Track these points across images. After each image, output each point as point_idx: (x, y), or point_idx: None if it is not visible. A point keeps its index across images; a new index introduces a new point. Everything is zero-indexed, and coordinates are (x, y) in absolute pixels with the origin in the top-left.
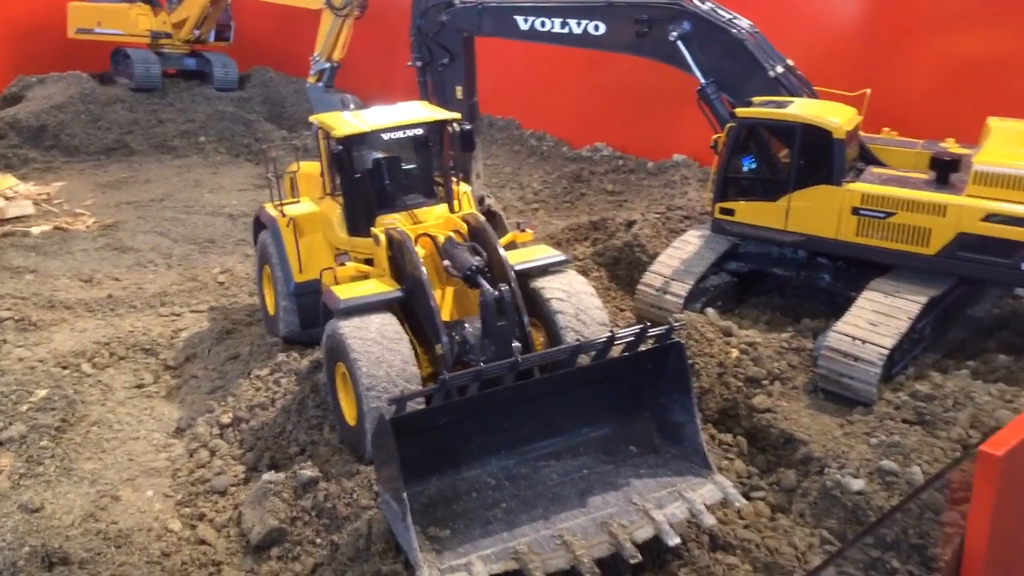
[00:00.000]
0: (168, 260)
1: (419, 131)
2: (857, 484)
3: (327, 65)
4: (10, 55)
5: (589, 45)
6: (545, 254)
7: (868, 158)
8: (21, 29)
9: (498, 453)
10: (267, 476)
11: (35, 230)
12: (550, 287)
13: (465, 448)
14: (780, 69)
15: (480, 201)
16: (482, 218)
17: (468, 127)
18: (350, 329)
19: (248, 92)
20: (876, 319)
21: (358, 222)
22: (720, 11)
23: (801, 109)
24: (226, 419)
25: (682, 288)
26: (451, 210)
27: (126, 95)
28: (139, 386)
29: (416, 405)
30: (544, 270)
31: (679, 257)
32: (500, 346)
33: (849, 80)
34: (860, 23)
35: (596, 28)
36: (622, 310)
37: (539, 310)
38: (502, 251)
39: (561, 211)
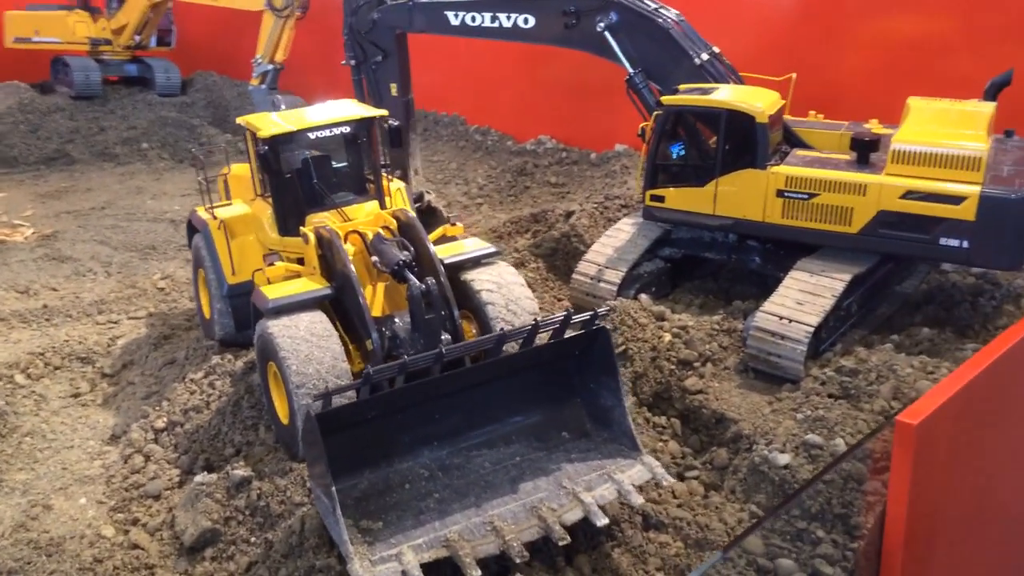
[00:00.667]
0: (108, 268)
1: (346, 129)
2: (783, 459)
3: (270, 67)
4: None
5: (520, 38)
6: (476, 247)
7: (794, 141)
8: None
9: (430, 444)
10: (199, 478)
11: None
12: (480, 279)
13: (397, 441)
14: (705, 56)
15: (419, 197)
16: (412, 213)
17: (396, 123)
18: (279, 328)
19: (191, 97)
20: (802, 298)
21: (288, 222)
22: (646, 0)
23: (725, 95)
24: (160, 424)
25: (615, 275)
26: (382, 207)
27: (66, 104)
28: (75, 395)
29: (346, 400)
30: (474, 262)
31: (612, 245)
32: (428, 339)
33: (779, 65)
34: (789, 7)
35: (526, 21)
36: (560, 299)
37: (470, 302)
38: (430, 245)
39: (506, 204)
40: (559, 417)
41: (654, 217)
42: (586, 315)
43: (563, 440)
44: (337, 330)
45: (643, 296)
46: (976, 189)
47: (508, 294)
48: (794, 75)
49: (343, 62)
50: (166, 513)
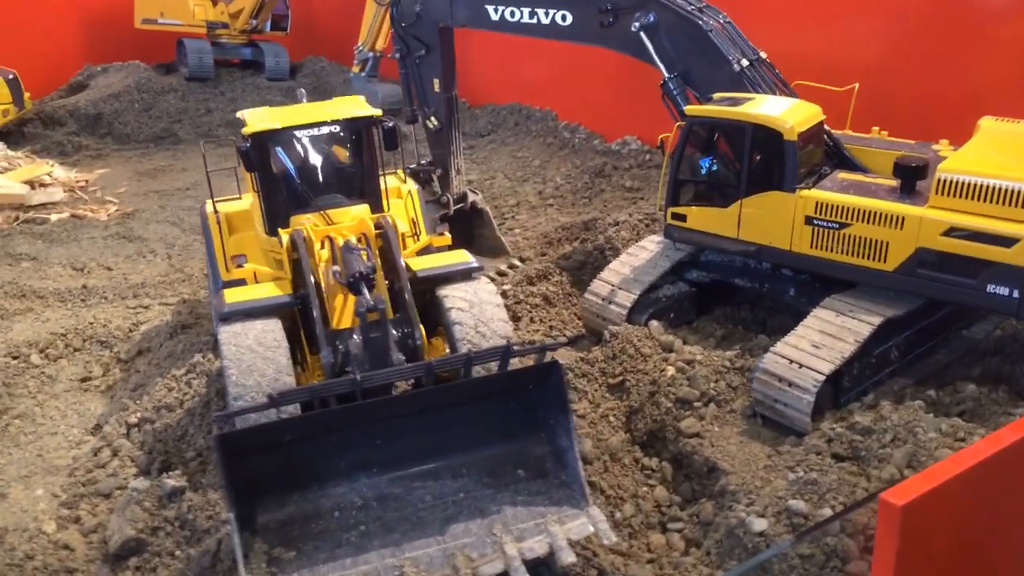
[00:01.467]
0: (169, 250)
1: (335, 128)
2: (760, 525)
3: (370, 55)
4: (82, 44)
5: (558, 36)
6: (456, 260)
7: (844, 161)
8: (93, 19)
9: (369, 471)
10: (134, 483)
11: (53, 217)
12: (453, 295)
13: (333, 464)
14: (745, 63)
15: (462, 198)
16: (392, 220)
17: (391, 124)
18: (228, 335)
19: (298, 82)
20: (821, 340)
21: (274, 221)
22: (686, 1)
23: (753, 107)
24: (133, 419)
25: (627, 298)
26: (377, 210)
27: (180, 84)
28: (84, 379)
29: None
30: (450, 277)
31: (631, 264)
32: (376, 358)
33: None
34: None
35: (563, 18)
36: (580, 318)
37: (442, 319)
38: (400, 257)
39: (577, 207)
40: (518, 452)
41: (674, 237)
42: (534, 347)
43: (517, 478)
44: (301, 341)
45: (654, 323)
46: None
47: (480, 314)
48: (856, 85)
49: (390, 55)
50: (106, 515)
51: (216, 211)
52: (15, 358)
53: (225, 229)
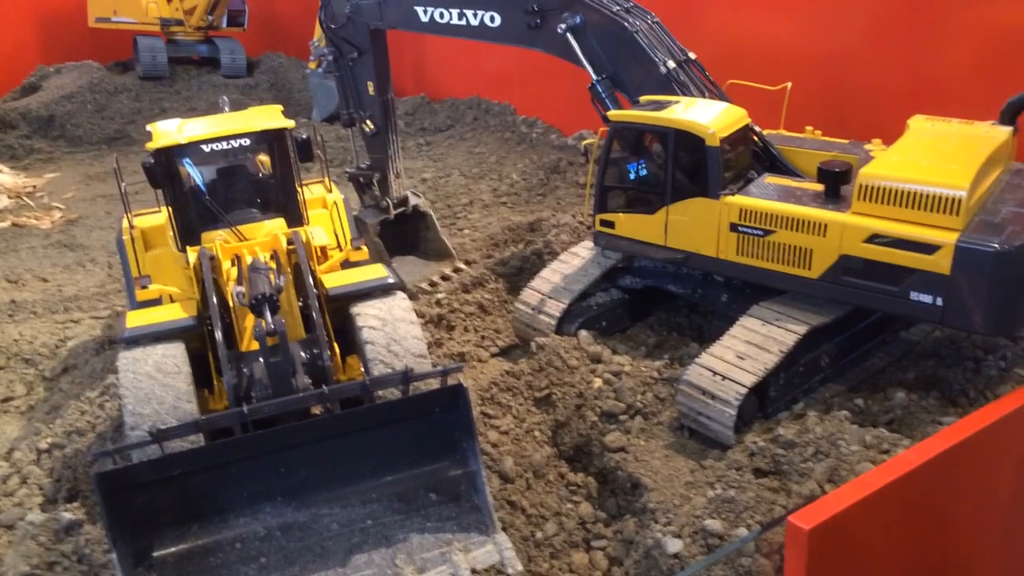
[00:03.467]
0: (111, 258)
1: (245, 141)
2: (675, 546)
3: (326, 50)
4: (36, 45)
5: (487, 38)
6: (370, 276)
7: (774, 164)
8: (48, 19)
9: (274, 500)
10: (29, 516)
11: None
12: (365, 313)
13: (235, 494)
14: (672, 64)
15: (403, 201)
16: (306, 236)
17: (305, 136)
18: (126, 362)
19: (256, 79)
20: (746, 351)
21: (185, 238)
22: (612, 1)
23: (676, 112)
24: (44, 444)
25: (556, 308)
26: (298, 223)
27: (134, 84)
28: (6, 399)
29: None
30: (363, 294)
31: (561, 272)
32: (276, 383)
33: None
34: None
35: (492, 19)
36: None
37: (355, 338)
38: (309, 275)
39: (531, 204)
40: (430, 475)
41: (603, 245)
42: (434, 371)
43: (428, 503)
44: (211, 365)
45: (583, 333)
46: (952, 237)
47: (392, 332)
48: (789, 84)
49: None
50: (6, 547)
51: (131, 226)
52: None
53: (141, 245)
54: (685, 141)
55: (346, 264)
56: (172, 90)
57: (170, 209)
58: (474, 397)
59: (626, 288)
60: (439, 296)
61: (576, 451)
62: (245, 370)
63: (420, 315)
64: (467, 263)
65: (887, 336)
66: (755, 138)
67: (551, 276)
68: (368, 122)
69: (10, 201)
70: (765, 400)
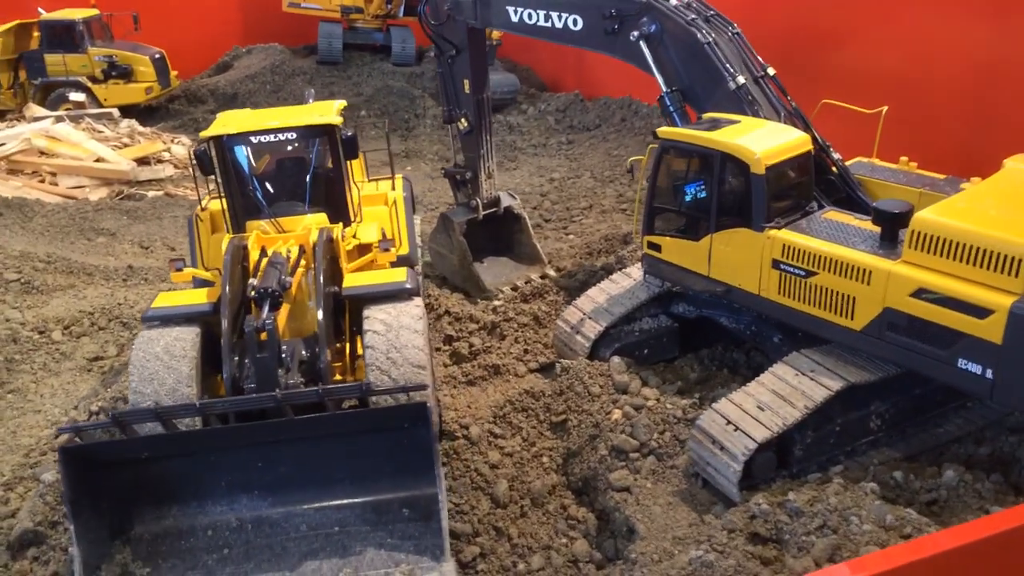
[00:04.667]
0: None
1: (291, 135)
2: None
3: (488, 42)
4: (236, 27)
5: (571, 41)
6: (388, 279)
7: (852, 197)
8: (249, 3)
9: (251, 493)
10: (44, 475)
11: (150, 194)
12: (374, 317)
13: (214, 483)
14: (742, 80)
15: (495, 202)
16: (329, 234)
17: (350, 134)
18: (141, 341)
19: (423, 67)
20: (770, 401)
21: (236, 225)
22: (688, 8)
23: (727, 134)
24: (95, 407)
25: (593, 330)
26: (345, 219)
27: (310, 67)
28: (96, 358)
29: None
30: (376, 297)
31: (609, 292)
32: (261, 378)
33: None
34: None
35: (575, 23)
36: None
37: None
38: (320, 274)
39: None
40: (407, 491)
41: (650, 268)
42: (396, 387)
43: (399, 518)
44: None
45: (615, 360)
46: (1007, 302)
47: (394, 339)
48: (885, 108)
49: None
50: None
51: (203, 208)
52: (41, 333)
53: (208, 227)
54: (731, 166)
55: (371, 266)
56: (344, 75)
57: (224, 196)
58: (486, 414)
59: (677, 316)
60: (496, 303)
61: (584, 483)
62: (247, 361)
63: (475, 320)
64: (557, 270)
65: (968, 402)
66: (832, 167)
67: (597, 295)
68: (463, 120)
69: (176, 171)
70: (790, 458)
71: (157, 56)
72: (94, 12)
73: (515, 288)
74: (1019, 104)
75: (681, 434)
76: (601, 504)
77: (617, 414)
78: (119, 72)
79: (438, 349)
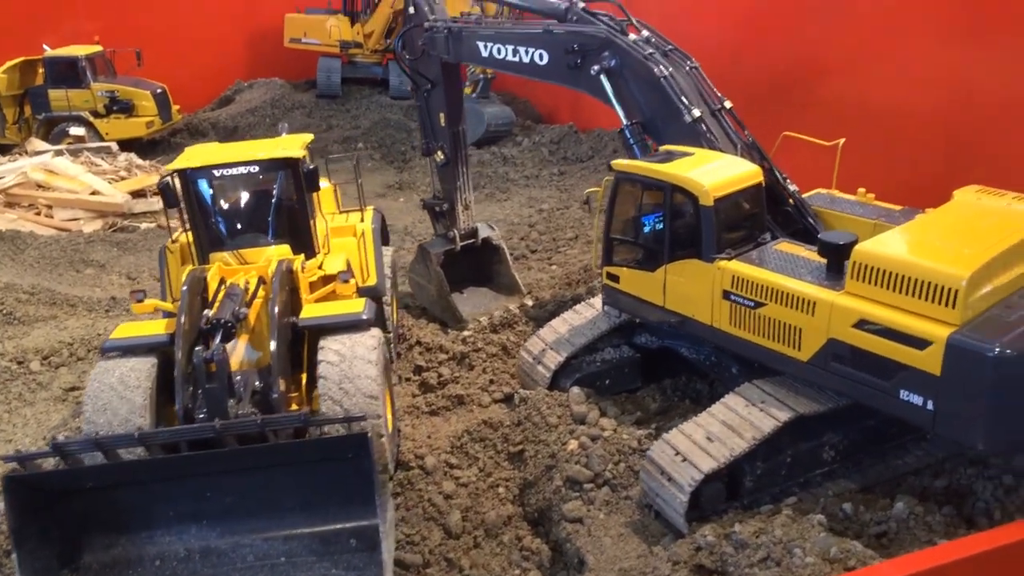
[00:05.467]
0: None
1: (253, 169)
2: None
3: (481, 76)
4: (239, 61)
5: (538, 76)
6: (344, 310)
7: (808, 228)
8: (251, 38)
9: (200, 522)
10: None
11: (143, 226)
12: (329, 347)
13: (162, 512)
14: (697, 113)
15: (472, 234)
16: (289, 264)
17: (312, 167)
18: (98, 371)
19: None
20: (719, 432)
21: (200, 257)
22: (647, 44)
23: (679, 166)
24: (61, 437)
25: (553, 360)
26: (309, 250)
27: (310, 101)
28: (73, 388)
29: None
30: (331, 328)
31: (571, 323)
32: (210, 409)
33: None
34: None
35: (541, 57)
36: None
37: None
38: (275, 304)
39: None
40: (354, 521)
41: (608, 299)
42: (336, 417)
43: (347, 549)
44: None
45: (575, 390)
46: (944, 333)
47: (348, 370)
48: (842, 140)
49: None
50: None
51: (174, 240)
52: (19, 363)
53: (178, 259)
54: (682, 198)
55: (333, 296)
56: (343, 108)
57: (190, 228)
58: (443, 444)
59: (640, 347)
60: (465, 334)
61: (540, 515)
62: (199, 392)
63: (444, 351)
64: (536, 300)
65: (928, 433)
66: (789, 199)
67: (559, 326)
68: (439, 152)
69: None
70: (741, 489)
71: (159, 91)
72: (97, 49)
73: (489, 318)
74: (981, 136)
75: (636, 465)
76: (555, 535)
77: (573, 444)
78: (120, 107)
79: (408, 379)
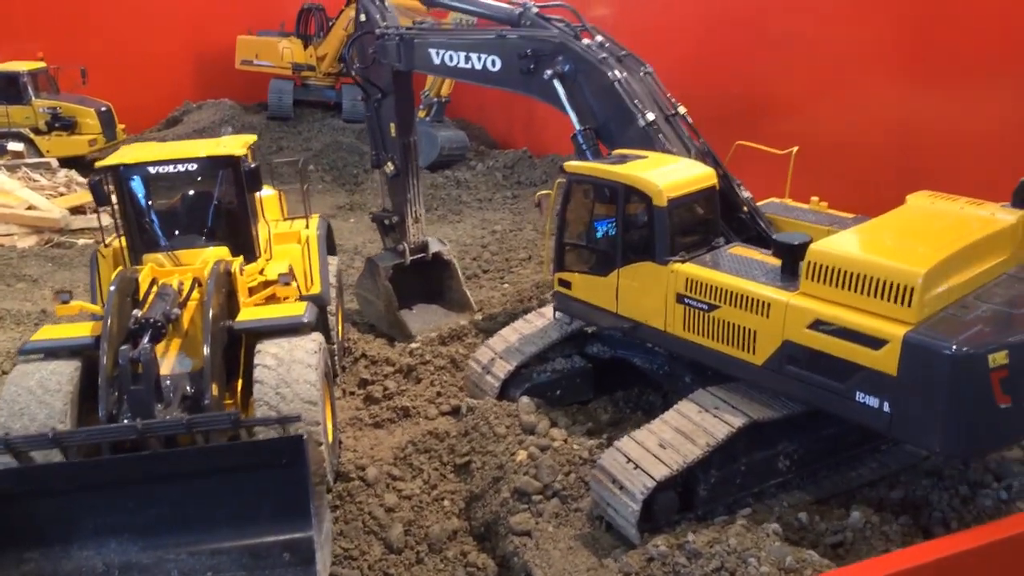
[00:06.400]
0: None
1: (191, 167)
2: None
3: (435, 100)
4: (189, 82)
5: (490, 82)
6: (283, 313)
7: (762, 235)
8: (203, 59)
9: (120, 536)
10: None
11: (80, 242)
12: (266, 351)
13: (81, 524)
14: (651, 117)
15: (423, 247)
16: (227, 266)
17: (253, 166)
18: (15, 375)
19: None
20: (672, 439)
21: (133, 259)
22: (601, 48)
23: (633, 168)
24: None
25: (503, 369)
26: (249, 253)
27: (260, 123)
28: None
29: None
30: (269, 331)
31: (521, 332)
32: (135, 412)
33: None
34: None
35: (493, 63)
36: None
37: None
38: (210, 307)
39: None
40: (286, 534)
41: (560, 305)
42: (270, 418)
43: (279, 563)
44: None
45: (524, 400)
46: (900, 331)
47: (285, 374)
48: (795, 149)
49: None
50: None
51: (106, 244)
52: None
53: (110, 263)
54: (635, 199)
55: (273, 299)
56: (294, 130)
57: (122, 228)
58: (386, 455)
59: (592, 356)
60: (413, 346)
61: (487, 528)
62: (124, 396)
63: (391, 364)
64: (487, 317)
65: (885, 444)
66: (743, 205)
67: (509, 335)
68: (389, 163)
69: (109, 222)
70: (694, 498)
71: (103, 109)
72: (41, 65)
73: (440, 335)
74: (937, 149)
75: (586, 475)
76: (502, 550)
77: (522, 455)
78: (63, 124)
79: (352, 393)
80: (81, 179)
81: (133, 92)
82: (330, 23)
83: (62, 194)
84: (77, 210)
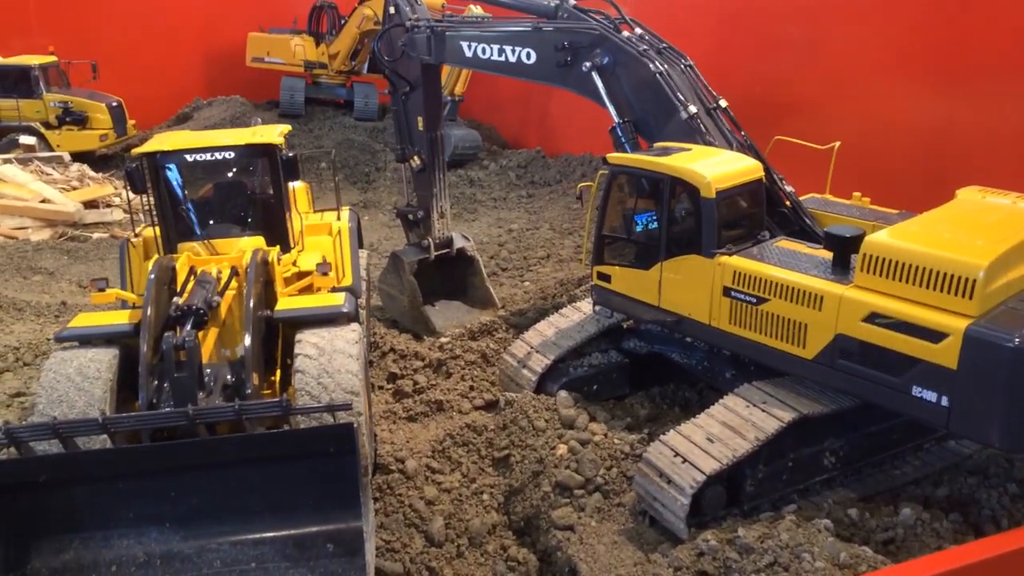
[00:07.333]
0: None
1: (229, 155)
2: None
3: (448, 99)
4: (201, 79)
5: (525, 75)
6: (322, 303)
7: (805, 228)
8: (214, 56)
9: (161, 525)
10: None
11: (95, 235)
12: (307, 340)
13: (121, 513)
14: (693, 110)
15: (447, 243)
16: (265, 255)
17: (291, 155)
18: (53, 361)
19: (385, 123)
20: (719, 433)
21: (167, 248)
22: (641, 40)
23: (678, 159)
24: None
25: (540, 363)
26: (284, 243)
27: (271, 120)
28: (18, 394)
29: None
30: (309, 320)
31: (557, 326)
32: (178, 398)
33: None
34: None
35: (528, 56)
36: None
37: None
38: (251, 296)
39: None
40: (332, 524)
41: (599, 299)
42: (320, 405)
43: (323, 554)
44: None
45: (562, 394)
46: (961, 324)
47: (327, 363)
48: (837, 144)
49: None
50: None
51: (137, 234)
52: None
53: (141, 252)
54: (681, 191)
55: (309, 289)
56: (305, 128)
57: (156, 216)
58: (424, 448)
59: (629, 352)
60: (443, 340)
61: (526, 523)
62: (165, 385)
63: (420, 358)
64: (515, 313)
65: (927, 443)
66: (786, 200)
67: (545, 329)
68: (415, 158)
69: (125, 216)
70: (741, 494)
71: (114, 104)
72: (52, 59)
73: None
74: (977, 141)
75: (628, 470)
76: (543, 544)
77: (562, 449)
78: (73, 118)
79: (381, 387)
80: (93, 173)
81: (143, 88)
82: (342, 21)
83: (74, 188)
84: (90, 204)
